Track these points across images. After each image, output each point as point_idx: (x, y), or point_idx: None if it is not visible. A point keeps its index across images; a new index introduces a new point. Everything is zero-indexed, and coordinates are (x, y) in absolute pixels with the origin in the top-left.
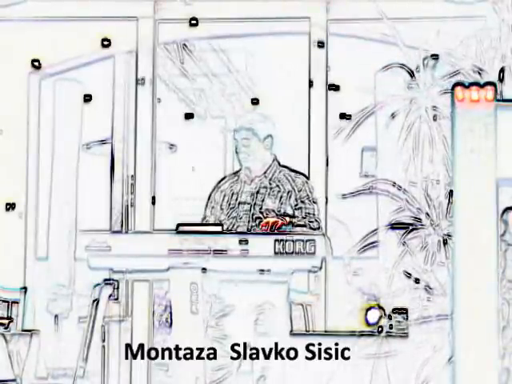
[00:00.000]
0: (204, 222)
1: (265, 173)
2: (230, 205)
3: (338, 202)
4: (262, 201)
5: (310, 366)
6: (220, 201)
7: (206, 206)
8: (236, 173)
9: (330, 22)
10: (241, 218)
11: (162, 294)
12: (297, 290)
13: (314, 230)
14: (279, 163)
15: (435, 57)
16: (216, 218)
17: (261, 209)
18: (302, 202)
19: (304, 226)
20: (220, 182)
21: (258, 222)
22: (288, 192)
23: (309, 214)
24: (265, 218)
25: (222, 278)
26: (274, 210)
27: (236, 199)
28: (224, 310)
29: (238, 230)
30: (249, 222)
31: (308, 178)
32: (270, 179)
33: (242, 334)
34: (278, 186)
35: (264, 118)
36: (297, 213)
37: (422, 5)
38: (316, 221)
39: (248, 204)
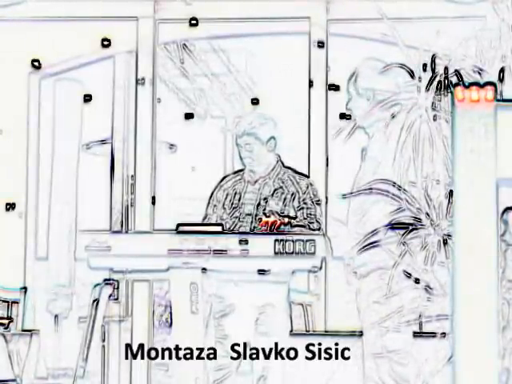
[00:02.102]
0: (204, 222)
1: (269, 174)
2: (232, 204)
3: (338, 201)
4: (266, 202)
5: (310, 366)
6: (222, 200)
7: (208, 204)
8: (239, 172)
9: (329, 21)
10: (244, 219)
11: (162, 294)
12: (297, 290)
13: (314, 231)
14: (283, 164)
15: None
16: (218, 216)
17: (264, 210)
18: (305, 203)
19: (303, 226)
20: (222, 180)
21: (260, 222)
22: (292, 194)
23: (310, 215)
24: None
25: (221, 277)
26: (277, 212)
27: (239, 199)
28: (224, 310)
29: (240, 230)
30: (251, 222)
31: (311, 179)
32: (274, 180)
33: (243, 334)
34: (281, 187)
35: (265, 120)
36: (298, 214)
37: (421, 5)
38: (317, 222)
39: (251, 205)
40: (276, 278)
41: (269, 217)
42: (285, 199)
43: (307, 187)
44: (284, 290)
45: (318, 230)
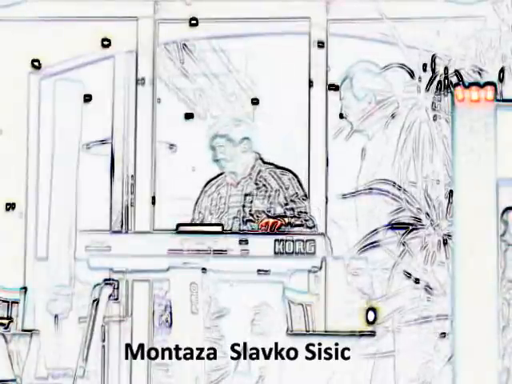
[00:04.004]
0: (204, 222)
1: (250, 174)
2: (219, 209)
3: (338, 202)
4: (251, 202)
5: (310, 366)
6: (208, 205)
7: (194, 210)
8: (219, 176)
9: (329, 21)
10: (232, 223)
11: (162, 294)
12: (297, 290)
13: (310, 228)
14: (263, 161)
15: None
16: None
17: (250, 211)
18: (292, 201)
19: (302, 225)
20: (205, 186)
21: (248, 224)
22: (276, 191)
23: (301, 212)
24: (256, 219)
25: (222, 278)
26: (264, 211)
27: (224, 203)
28: (221, 310)
29: None
30: (240, 225)
31: (294, 173)
32: (256, 179)
33: (239, 334)
34: (264, 185)
35: (238, 121)
36: (289, 213)
37: (422, 5)
38: (310, 219)
39: (237, 207)
40: (273, 278)
41: (258, 218)
42: (269, 197)
43: (290, 181)
44: (280, 290)
45: (314, 227)
